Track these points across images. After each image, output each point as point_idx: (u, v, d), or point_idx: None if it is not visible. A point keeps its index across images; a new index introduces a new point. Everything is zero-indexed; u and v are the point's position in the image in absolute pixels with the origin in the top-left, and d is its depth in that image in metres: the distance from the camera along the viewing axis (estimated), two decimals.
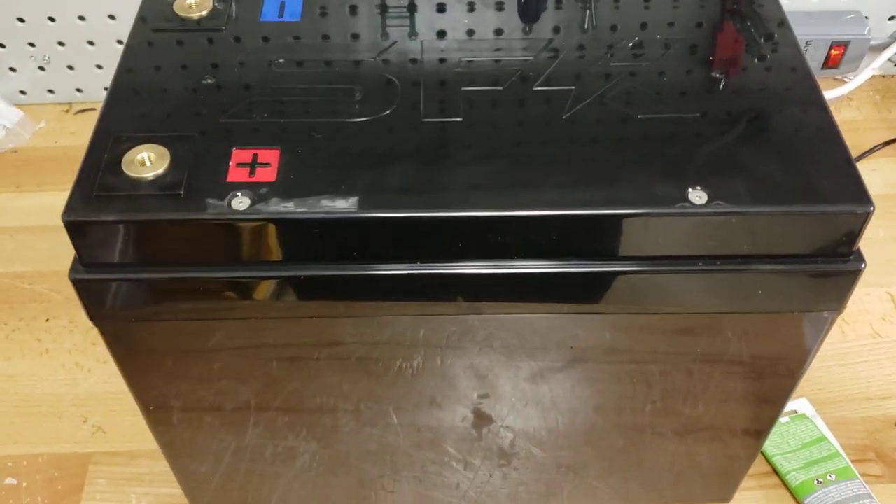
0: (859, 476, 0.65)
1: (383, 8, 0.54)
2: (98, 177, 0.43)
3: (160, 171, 0.43)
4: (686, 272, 0.44)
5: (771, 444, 0.67)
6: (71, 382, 0.73)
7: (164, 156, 0.43)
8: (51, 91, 0.95)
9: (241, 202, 0.42)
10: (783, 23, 0.52)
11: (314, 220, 0.42)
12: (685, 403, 0.54)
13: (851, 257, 0.44)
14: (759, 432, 0.57)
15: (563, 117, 0.46)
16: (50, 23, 0.89)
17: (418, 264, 0.44)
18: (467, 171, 0.44)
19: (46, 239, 0.83)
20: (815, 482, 0.65)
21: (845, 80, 0.95)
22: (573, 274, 0.44)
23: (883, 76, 0.98)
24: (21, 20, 0.89)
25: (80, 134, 0.93)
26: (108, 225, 0.42)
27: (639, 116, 0.46)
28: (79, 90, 0.95)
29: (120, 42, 0.89)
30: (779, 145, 0.45)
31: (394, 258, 0.44)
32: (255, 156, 0.44)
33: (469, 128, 0.46)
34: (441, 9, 0.54)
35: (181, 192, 0.42)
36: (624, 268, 0.44)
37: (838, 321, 0.49)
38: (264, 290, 0.45)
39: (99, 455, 0.69)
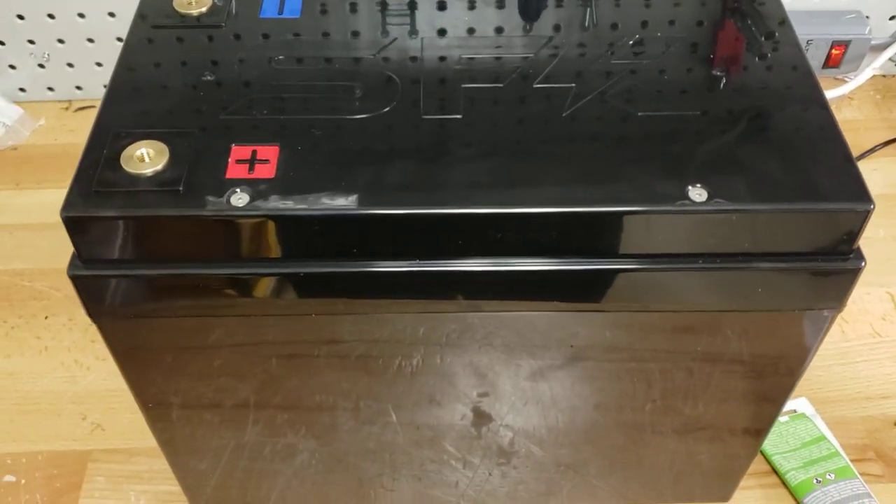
0: (859, 475, 0.65)
1: (383, 5, 0.54)
2: (97, 173, 0.43)
3: (159, 167, 0.43)
4: (686, 270, 0.44)
5: (770, 444, 0.67)
6: (70, 380, 0.73)
7: (163, 152, 0.43)
8: (50, 88, 0.95)
9: (240, 199, 0.42)
10: (784, 21, 0.52)
11: (313, 216, 0.42)
12: (685, 402, 0.54)
13: (851, 255, 0.44)
14: (759, 431, 0.57)
15: (564, 115, 0.46)
16: (50, 20, 0.89)
17: (418, 261, 0.44)
18: (467, 168, 0.44)
19: (46, 236, 0.83)
20: (815, 481, 0.64)
21: (846, 79, 0.95)
22: (573, 272, 0.44)
23: (884, 76, 0.98)
24: (21, 17, 0.89)
25: (79, 131, 0.93)
26: (106, 221, 0.42)
27: (639, 114, 0.46)
28: (78, 88, 0.95)
29: (120, 39, 0.89)
30: (779, 143, 0.45)
31: (393, 255, 0.44)
32: (254, 152, 0.44)
33: (469, 125, 0.46)
34: (441, 6, 0.54)
35: (180, 189, 0.42)
36: (624, 265, 0.44)
37: (838, 320, 0.49)
38: (263, 286, 0.45)
39: (98, 452, 0.69)
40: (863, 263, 0.44)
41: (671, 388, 0.53)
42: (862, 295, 0.79)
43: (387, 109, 0.47)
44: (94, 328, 0.46)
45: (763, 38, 0.51)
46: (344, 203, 0.42)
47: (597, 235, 0.43)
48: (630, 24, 0.52)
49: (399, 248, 0.43)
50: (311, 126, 0.46)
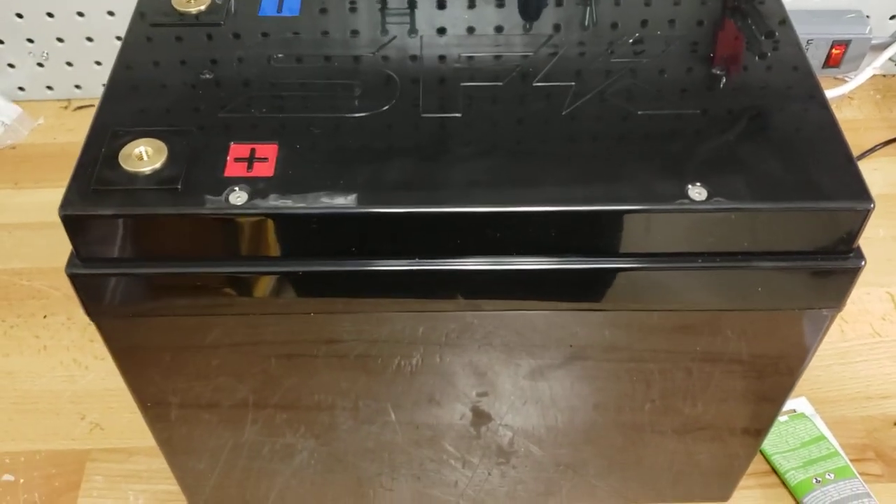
0: (858, 475, 0.65)
1: (383, 3, 0.53)
2: (95, 171, 0.42)
3: (157, 165, 0.43)
4: (686, 269, 0.44)
5: (770, 443, 0.67)
6: (69, 379, 0.73)
7: (161, 150, 0.43)
8: (49, 87, 0.95)
9: (238, 197, 0.42)
10: (784, 21, 0.52)
11: (312, 215, 0.42)
12: (684, 402, 0.54)
13: (851, 255, 0.44)
14: (759, 431, 0.57)
15: (563, 113, 0.46)
16: (49, 19, 0.89)
17: (417, 260, 0.44)
18: (466, 166, 0.43)
19: (44, 235, 0.83)
20: (814, 481, 0.64)
21: (846, 79, 0.95)
22: (573, 271, 0.44)
23: (884, 75, 0.98)
24: (20, 16, 0.89)
25: (78, 131, 0.93)
26: (104, 219, 0.42)
27: (639, 113, 0.46)
28: (77, 87, 0.95)
29: (119, 38, 0.88)
30: (779, 142, 0.45)
31: (392, 254, 0.43)
32: (252, 150, 0.44)
33: (468, 123, 0.46)
34: (441, 5, 0.53)
35: (178, 187, 0.42)
36: (624, 264, 0.44)
37: (838, 320, 0.49)
38: (262, 285, 0.44)
39: (96, 452, 0.68)
40: (863, 263, 0.44)
41: (671, 387, 0.53)
42: (862, 295, 0.78)
43: (386, 108, 0.46)
44: (92, 327, 0.46)
45: (763, 38, 0.51)
46: (343, 202, 0.42)
47: (596, 234, 0.43)
48: (630, 24, 0.52)
49: (398, 246, 0.43)
50: (310, 124, 0.45)
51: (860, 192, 0.42)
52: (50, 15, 0.89)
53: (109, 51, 0.91)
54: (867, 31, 0.91)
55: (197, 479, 0.60)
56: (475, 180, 0.43)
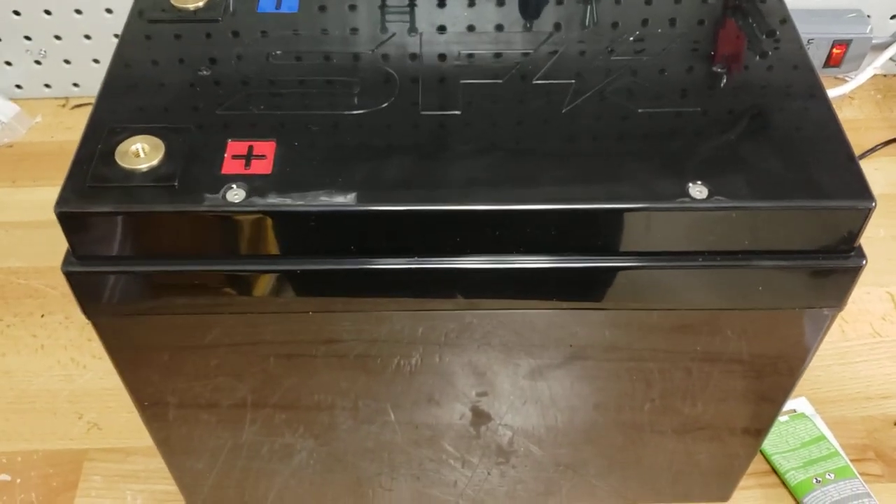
0: (858, 475, 0.65)
1: (382, 1, 0.53)
2: (91, 168, 0.42)
3: (154, 162, 0.42)
4: (686, 268, 0.44)
5: (770, 443, 0.67)
6: (66, 379, 0.73)
7: (158, 147, 0.43)
8: (47, 85, 0.95)
9: (235, 194, 0.41)
10: (786, 20, 0.52)
11: (310, 213, 0.41)
12: (684, 401, 0.53)
13: (852, 254, 0.44)
14: (759, 431, 0.57)
15: (563, 111, 0.46)
16: (46, 16, 0.88)
17: (416, 259, 0.43)
18: (466, 164, 0.43)
19: (42, 234, 0.83)
20: (814, 481, 0.64)
21: (847, 78, 0.95)
22: (572, 269, 0.44)
23: (885, 75, 0.98)
24: (17, 13, 0.88)
25: (76, 129, 0.93)
26: (100, 217, 0.41)
27: (639, 111, 0.46)
28: (75, 85, 0.95)
29: (117, 36, 0.88)
30: (780, 141, 0.44)
31: (391, 252, 0.43)
32: (250, 148, 0.43)
33: (468, 121, 0.45)
34: (441, 2, 0.53)
35: (175, 184, 0.42)
36: (624, 263, 0.44)
37: (838, 320, 0.49)
38: (260, 284, 0.44)
39: (94, 452, 0.68)
40: (863, 262, 0.44)
41: (670, 387, 0.52)
42: (862, 295, 0.78)
43: (385, 105, 0.46)
44: (90, 326, 0.46)
45: (764, 36, 0.51)
46: (341, 200, 0.41)
47: (596, 233, 0.43)
48: (630, 22, 0.52)
49: (397, 245, 0.43)
50: (309, 122, 0.45)
51: (861, 190, 0.42)
52: (47, 12, 0.88)
53: (107, 48, 0.90)
54: (868, 31, 0.91)
55: (195, 479, 0.59)
56: (475, 178, 0.43)
